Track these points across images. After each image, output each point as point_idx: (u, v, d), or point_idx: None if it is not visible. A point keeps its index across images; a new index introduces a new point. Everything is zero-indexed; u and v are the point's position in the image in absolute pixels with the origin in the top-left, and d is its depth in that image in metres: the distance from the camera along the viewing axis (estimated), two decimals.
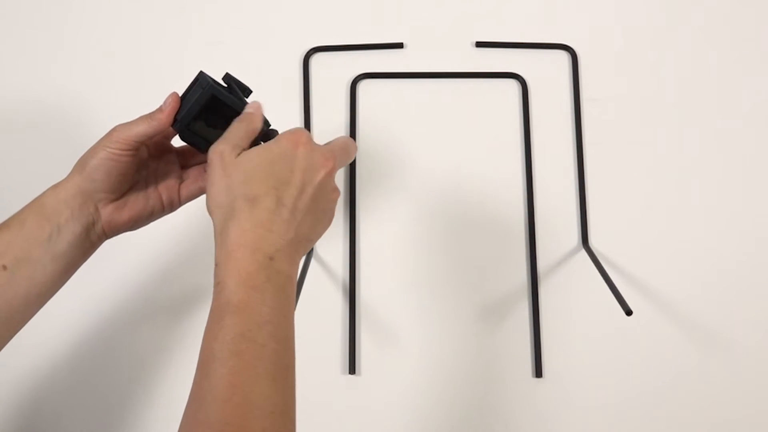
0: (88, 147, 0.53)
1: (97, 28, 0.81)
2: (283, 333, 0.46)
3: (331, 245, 0.73)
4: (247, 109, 0.53)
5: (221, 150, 0.49)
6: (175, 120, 0.53)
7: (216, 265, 0.47)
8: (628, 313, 0.57)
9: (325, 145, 0.53)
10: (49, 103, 0.78)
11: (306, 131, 0.51)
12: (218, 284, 0.46)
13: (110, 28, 0.81)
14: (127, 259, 0.71)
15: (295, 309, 0.48)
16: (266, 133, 0.54)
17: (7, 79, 0.79)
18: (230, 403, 0.42)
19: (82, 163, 0.53)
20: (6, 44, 0.80)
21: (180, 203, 0.58)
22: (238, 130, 0.51)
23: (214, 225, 0.49)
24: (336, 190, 0.53)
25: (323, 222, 0.52)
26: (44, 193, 0.53)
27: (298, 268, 0.50)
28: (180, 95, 0.53)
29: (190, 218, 0.69)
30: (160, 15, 0.81)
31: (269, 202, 0.48)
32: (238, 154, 0.49)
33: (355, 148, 0.56)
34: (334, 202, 0.53)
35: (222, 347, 0.44)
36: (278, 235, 0.47)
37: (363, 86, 0.79)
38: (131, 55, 0.80)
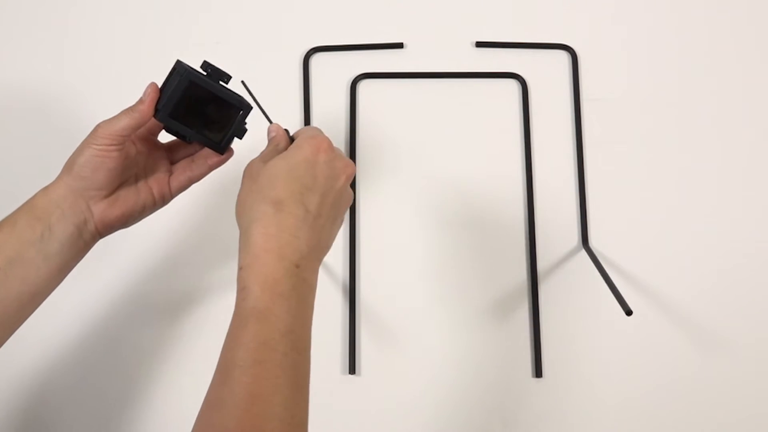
0: None
1: (97, 28, 0.81)
2: (303, 343, 0.46)
3: None
4: (270, 134, 0.54)
5: (253, 162, 0.51)
6: (156, 110, 0.53)
7: (240, 268, 0.46)
8: (628, 313, 0.57)
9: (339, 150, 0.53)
10: (49, 104, 0.78)
11: (326, 137, 0.51)
12: (243, 289, 0.46)
13: (110, 27, 0.81)
14: (127, 258, 0.71)
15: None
16: None
17: (7, 79, 0.79)
18: (250, 413, 0.41)
19: (69, 163, 0.53)
20: (6, 45, 0.80)
21: (171, 196, 0.58)
22: (269, 149, 0.53)
23: (239, 229, 0.49)
24: (350, 194, 0.53)
25: (337, 227, 0.53)
26: (35, 195, 0.53)
27: (317, 276, 0.50)
28: (159, 86, 0.54)
29: (189, 219, 0.69)
30: (160, 15, 0.81)
31: (294, 208, 0.48)
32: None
33: None
34: (348, 206, 0.54)
35: (245, 355, 0.43)
36: (303, 241, 0.47)
37: (363, 86, 0.79)
38: (131, 55, 0.80)
